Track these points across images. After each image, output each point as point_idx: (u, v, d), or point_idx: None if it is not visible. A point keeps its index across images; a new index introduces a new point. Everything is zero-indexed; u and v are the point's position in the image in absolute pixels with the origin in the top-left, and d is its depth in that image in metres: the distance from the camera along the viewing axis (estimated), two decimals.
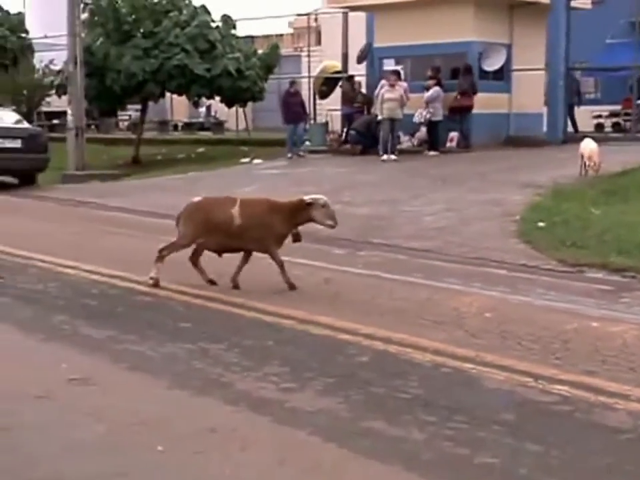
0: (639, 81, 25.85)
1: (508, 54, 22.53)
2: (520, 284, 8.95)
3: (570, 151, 16.94)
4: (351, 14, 26.58)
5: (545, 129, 23.25)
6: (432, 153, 21.05)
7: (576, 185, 14.49)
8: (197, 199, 8.79)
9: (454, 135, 21.74)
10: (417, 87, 21.50)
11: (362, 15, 25.36)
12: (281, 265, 8.42)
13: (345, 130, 24.50)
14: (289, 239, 8.57)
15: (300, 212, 8.37)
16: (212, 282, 8.60)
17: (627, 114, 28.34)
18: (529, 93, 22.74)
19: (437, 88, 21.34)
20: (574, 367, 6.09)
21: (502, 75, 22.69)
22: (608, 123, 30.33)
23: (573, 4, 22.53)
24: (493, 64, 22.23)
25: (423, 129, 21.81)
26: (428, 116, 21.29)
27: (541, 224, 11.67)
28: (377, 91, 21.35)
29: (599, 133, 27.46)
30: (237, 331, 7.09)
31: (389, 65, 22.89)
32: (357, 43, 26.02)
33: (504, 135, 22.46)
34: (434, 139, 21.47)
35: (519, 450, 4.70)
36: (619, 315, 7.70)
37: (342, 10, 26.44)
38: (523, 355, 6.40)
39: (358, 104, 24.20)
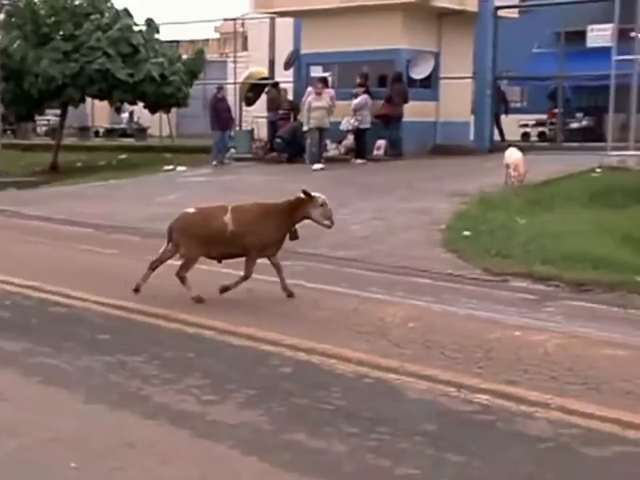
0: (563, 91, 26.34)
1: (436, 62, 22.68)
2: (445, 293, 8.96)
3: (496, 159, 17.09)
4: (278, 19, 26.52)
5: (471, 137, 23.46)
6: (359, 161, 21.05)
7: (502, 194, 14.61)
8: (190, 210, 8.55)
9: (381, 142, 21.78)
10: (345, 94, 21.50)
11: (289, 20, 25.32)
12: (246, 278, 8.36)
13: (271, 137, 24.39)
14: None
15: (297, 210, 8.35)
16: (137, 290, 8.40)
17: (552, 123, 28.84)
18: (456, 102, 22.92)
19: (365, 95, 21.36)
20: (496, 376, 6.10)
21: (429, 83, 22.82)
22: (534, 132, 30.79)
23: (500, 13, 22.78)
24: (420, 72, 22.34)
25: (350, 137, 21.82)
26: (356, 124, 21.30)
27: (466, 233, 11.71)
28: (304, 99, 21.33)
29: (525, 142, 27.88)
30: (157, 343, 6.96)
31: (317, 72, 22.82)
32: (284, 49, 25.96)
33: (431, 144, 22.58)
34: (361, 147, 21.49)
35: (441, 460, 4.68)
36: (542, 324, 7.74)
37: (269, 15, 26.36)
38: (446, 364, 6.39)
39: (284, 111, 24.14)
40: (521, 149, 16.63)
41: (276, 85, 25.25)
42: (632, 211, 13.03)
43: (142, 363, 6.42)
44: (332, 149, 22.13)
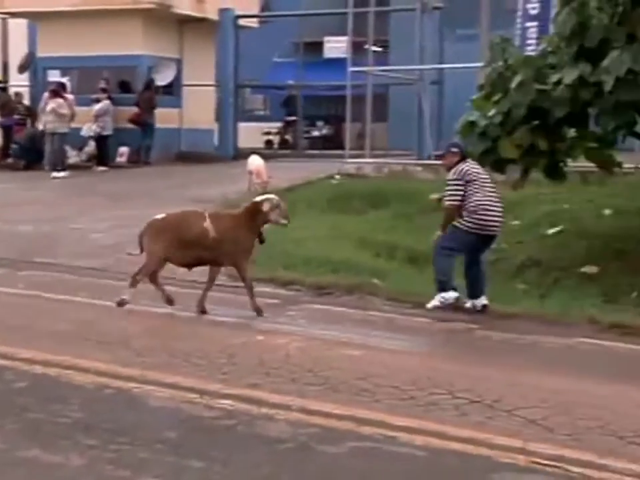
0: (300, 100, 27.04)
1: (178, 69, 22.64)
2: (190, 300, 8.90)
3: (240, 166, 17.27)
4: (11, 20, 25.40)
5: (215, 144, 23.60)
6: (101, 168, 20.61)
7: (245, 201, 14.72)
8: (160, 216, 8.52)
9: (124, 150, 21.45)
10: (85, 99, 20.98)
11: (23, 21, 24.34)
12: (251, 287, 8.37)
13: (6, 143, 23.25)
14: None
15: (258, 214, 8.38)
16: (171, 302, 8.39)
17: (287, 131, 29.57)
18: (199, 109, 22.98)
19: (107, 101, 20.97)
20: (239, 380, 6.15)
21: (172, 90, 22.76)
22: (277, 139, 31.42)
23: (240, 22, 23.07)
24: (163, 79, 22.25)
25: (92, 144, 21.33)
26: (98, 130, 20.85)
27: None
28: (41, 104, 20.61)
29: (268, 149, 28.40)
30: None
31: (55, 76, 22.10)
32: (19, 51, 24.94)
33: (175, 151, 22.51)
34: (103, 154, 21.05)
35: (182, 468, 4.64)
36: (284, 328, 7.91)
37: (0, 16, 25.22)
38: (189, 371, 6.37)
39: (20, 116, 23.14)
40: (263, 156, 16.93)
41: (4, 89, 24.19)
42: (368, 215, 13.59)
43: None
44: (73, 156, 21.47)
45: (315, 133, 31.42)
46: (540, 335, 7.77)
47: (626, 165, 12.09)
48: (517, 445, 4.92)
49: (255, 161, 15.96)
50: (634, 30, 9.54)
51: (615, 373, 6.60)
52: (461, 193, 8.51)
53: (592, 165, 11.69)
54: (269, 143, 30.92)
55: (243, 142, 23.93)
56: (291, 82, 27.55)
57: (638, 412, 5.55)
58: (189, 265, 8.59)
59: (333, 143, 28.32)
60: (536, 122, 10.44)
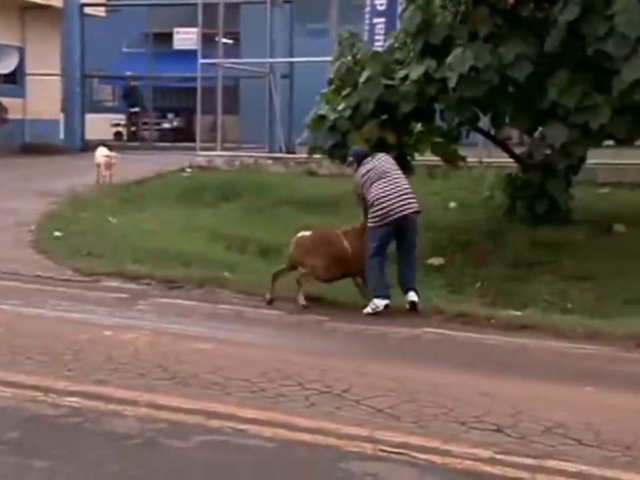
0: (141, 90, 26.64)
1: (21, 57, 21.95)
2: (33, 296, 8.70)
3: (88, 158, 16.94)
4: None
5: (62, 135, 23.03)
6: None
7: (93, 193, 14.51)
8: (306, 233, 8.85)
9: None
10: None
11: None
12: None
13: None
14: None
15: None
16: (271, 302, 8.63)
17: (133, 123, 29.10)
18: (44, 99, 22.39)
19: None
20: (86, 377, 6.02)
21: (15, 79, 22.06)
22: (126, 131, 30.84)
23: (86, 10, 22.56)
24: (5, 67, 21.56)
25: None
26: None
27: (57, 233, 11.49)
28: None
29: (117, 141, 27.88)
30: None
31: None
32: None
33: (19, 142, 21.83)
34: None
35: (25, 467, 4.53)
36: (133, 322, 7.80)
37: None
38: (33, 369, 6.20)
39: None
40: (111, 148, 16.66)
41: None
42: (219, 208, 13.54)
43: None
44: None
45: (166, 125, 31.04)
46: (387, 325, 7.91)
47: (470, 159, 12.50)
48: (364, 434, 5.00)
49: (102, 153, 15.70)
50: (476, 28, 9.84)
51: (459, 362, 6.79)
52: (361, 199, 8.74)
53: (438, 158, 12.01)
54: (118, 135, 30.33)
55: (91, 133, 23.43)
56: (128, 72, 27.13)
57: (479, 399, 5.73)
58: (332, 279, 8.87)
59: (184, 135, 28.08)
60: (384, 116, 10.63)
